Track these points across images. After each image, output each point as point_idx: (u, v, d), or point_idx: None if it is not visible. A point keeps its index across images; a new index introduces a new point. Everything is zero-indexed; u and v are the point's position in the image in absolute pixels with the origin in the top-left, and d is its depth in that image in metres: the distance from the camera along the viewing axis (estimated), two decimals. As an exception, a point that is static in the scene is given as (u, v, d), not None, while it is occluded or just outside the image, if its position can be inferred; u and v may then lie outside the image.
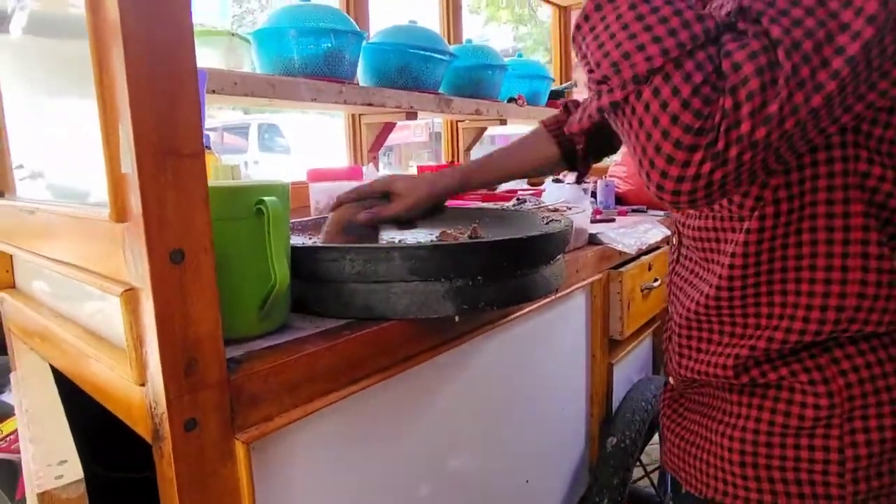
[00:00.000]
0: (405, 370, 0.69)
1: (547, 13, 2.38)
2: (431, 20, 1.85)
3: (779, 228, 0.57)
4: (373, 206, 0.83)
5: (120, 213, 0.47)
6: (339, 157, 1.64)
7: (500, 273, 0.69)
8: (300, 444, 0.58)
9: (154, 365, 0.47)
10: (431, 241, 0.91)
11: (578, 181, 1.00)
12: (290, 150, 8.11)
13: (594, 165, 1.04)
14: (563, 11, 2.43)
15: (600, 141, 0.93)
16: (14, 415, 1.21)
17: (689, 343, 0.68)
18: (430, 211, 0.87)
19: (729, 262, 0.60)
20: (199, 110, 0.47)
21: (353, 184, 1.19)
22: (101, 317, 0.59)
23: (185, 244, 0.46)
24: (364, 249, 0.66)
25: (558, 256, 0.81)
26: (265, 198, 0.56)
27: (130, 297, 0.48)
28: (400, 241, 0.93)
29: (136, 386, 0.50)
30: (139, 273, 0.46)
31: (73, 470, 0.46)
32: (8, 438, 1.21)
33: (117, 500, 0.76)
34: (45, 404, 0.59)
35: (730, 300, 0.62)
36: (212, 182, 0.56)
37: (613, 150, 1.00)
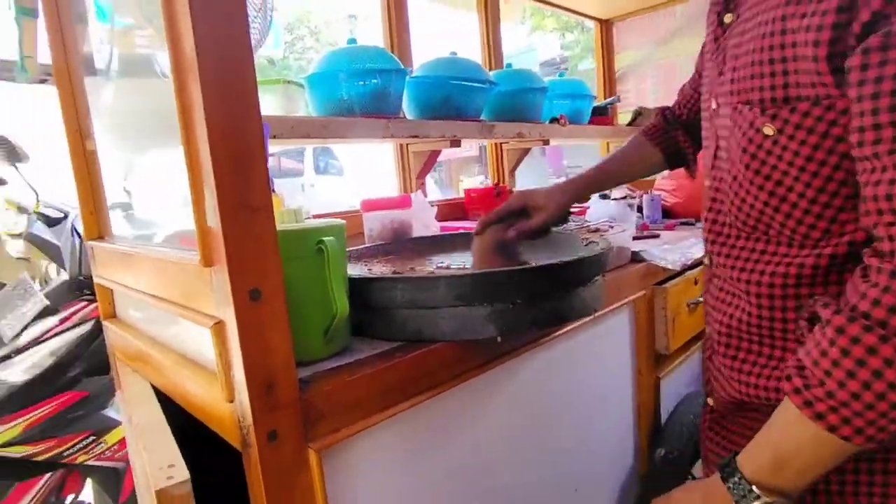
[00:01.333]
0: (454, 387, 0.75)
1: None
2: (472, 43, 1.94)
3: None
4: (514, 224, 0.90)
5: (207, 258, 0.56)
6: (389, 178, 1.74)
7: (539, 296, 0.75)
8: (362, 454, 0.66)
9: (240, 386, 0.55)
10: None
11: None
12: (342, 172, 8.39)
13: (642, 179, 1.12)
14: (605, 25, 2.46)
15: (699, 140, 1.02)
16: (115, 427, 1.36)
17: (733, 363, 0.69)
18: (564, 218, 0.94)
19: (769, 282, 0.63)
20: (267, 171, 0.56)
21: (402, 213, 1.28)
22: (193, 344, 0.69)
23: (261, 284, 0.55)
24: (413, 279, 0.74)
25: (596, 278, 0.86)
26: (325, 238, 0.64)
27: (219, 329, 0.57)
28: (443, 267, 1.00)
29: (226, 403, 0.59)
30: (225, 309, 0.55)
31: (181, 472, 0.55)
32: (112, 448, 1.35)
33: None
34: (151, 419, 0.69)
35: (780, 318, 0.63)
36: (279, 226, 0.65)
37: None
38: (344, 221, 0.71)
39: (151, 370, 0.83)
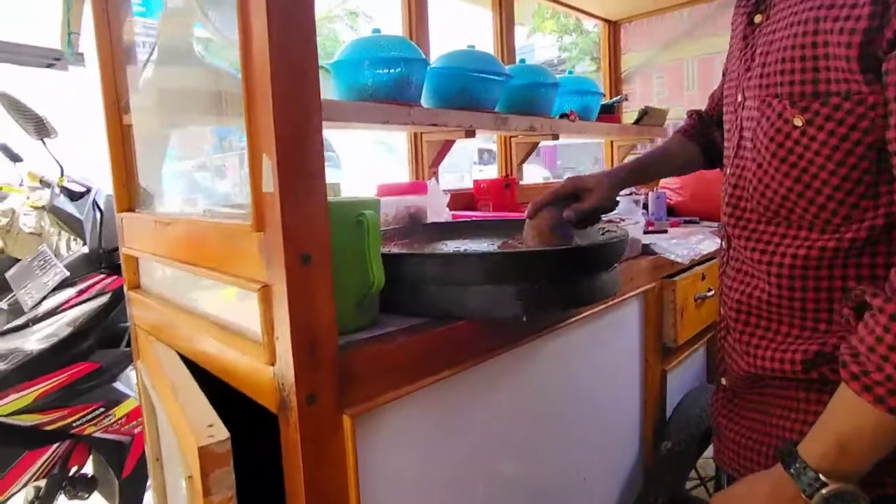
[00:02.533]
0: (475, 365, 0.78)
1: (594, 22, 2.44)
2: (485, 36, 1.96)
3: (881, 245, 0.62)
4: (568, 206, 0.90)
5: (259, 223, 0.58)
6: (385, 170, 1.76)
7: (563, 278, 0.78)
8: (390, 422, 0.68)
9: (284, 348, 0.57)
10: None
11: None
12: (340, 164, 8.38)
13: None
14: (612, 26, 2.49)
15: None
16: (124, 401, 1.37)
17: (750, 339, 0.73)
18: (614, 204, 0.95)
19: (790, 263, 0.66)
20: (322, 138, 0.58)
21: (417, 198, 1.30)
22: (230, 309, 0.71)
23: (311, 249, 0.57)
24: (443, 255, 0.76)
25: (615, 265, 0.89)
26: (365, 211, 0.66)
27: (265, 293, 0.59)
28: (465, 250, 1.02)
29: (266, 366, 0.61)
30: (275, 273, 0.57)
31: (220, 431, 0.57)
32: (119, 421, 1.36)
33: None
34: (183, 382, 0.71)
35: (799, 298, 0.67)
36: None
37: None
38: (379, 198, 0.73)
39: (179, 339, 0.84)
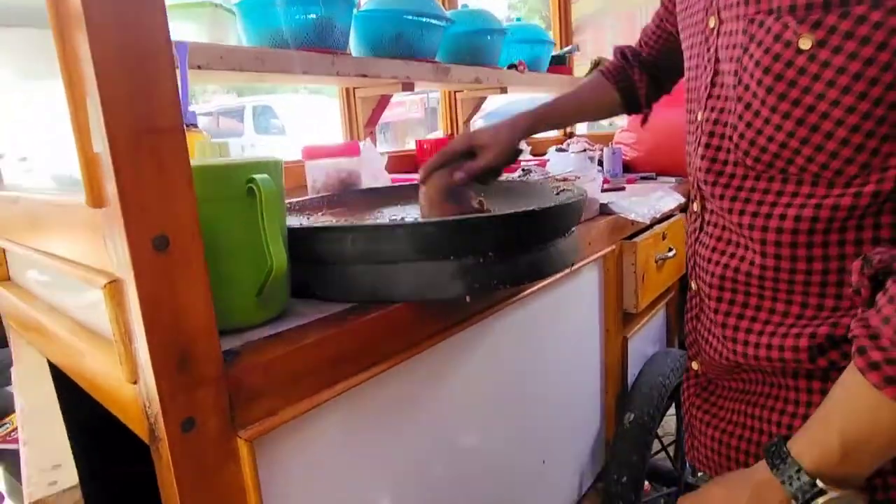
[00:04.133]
0: (414, 355, 0.65)
1: (543, -22, 2.28)
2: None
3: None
4: (459, 167, 0.79)
5: (96, 197, 0.42)
6: (335, 137, 1.59)
7: (513, 249, 0.65)
8: (307, 438, 0.54)
9: (144, 361, 0.43)
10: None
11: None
12: (284, 132, 8.02)
13: (598, 133, 1.02)
14: (562, -26, 2.34)
15: (658, 84, 0.97)
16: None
17: (736, 322, 0.61)
18: (514, 155, 0.84)
19: (792, 228, 0.54)
20: (176, 83, 0.42)
21: (351, 160, 1.15)
22: (91, 310, 0.55)
23: (168, 229, 0.42)
24: (366, 227, 0.62)
25: (573, 229, 0.77)
26: (256, 176, 0.52)
27: (115, 289, 0.44)
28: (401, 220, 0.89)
29: (128, 384, 0.46)
30: (121, 262, 0.42)
31: (69, 475, 0.43)
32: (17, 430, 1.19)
33: (122, 496, 0.73)
34: (41, 403, 0.56)
35: (802, 270, 0.55)
36: (197, 161, 0.52)
37: (668, 92, 1.01)
38: (281, 158, 0.58)
39: (48, 343, 0.68)
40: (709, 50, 0.61)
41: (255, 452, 0.48)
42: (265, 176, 0.52)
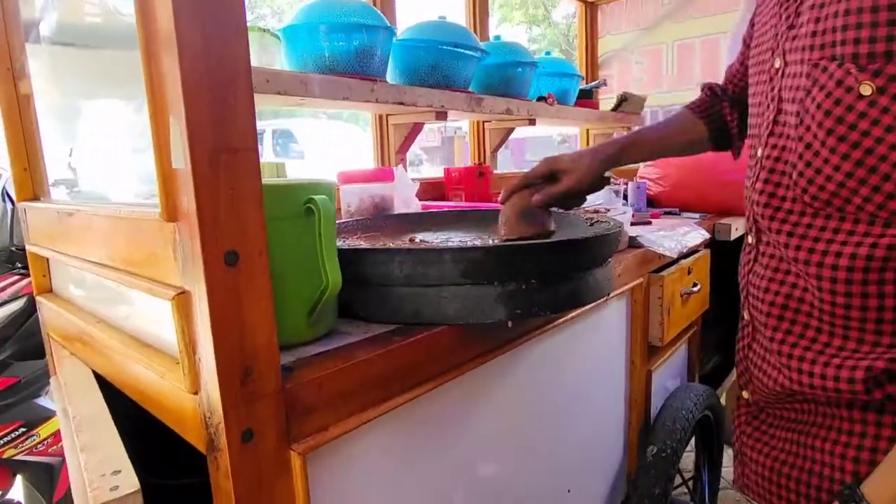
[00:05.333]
0: (455, 377, 0.66)
1: (561, 13, 2.34)
2: (457, 18, 1.83)
3: None
4: (542, 188, 0.81)
5: (171, 211, 0.44)
6: (352, 162, 1.62)
7: (555, 277, 0.66)
8: (355, 455, 0.55)
9: (209, 373, 0.44)
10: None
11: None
12: (303, 156, 8.13)
13: (623, 168, 1.01)
14: (590, 7, 2.39)
15: (745, 120, 0.93)
16: (50, 418, 1.20)
17: (790, 351, 0.61)
18: (597, 183, 0.84)
19: (848, 265, 0.55)
20: (253, 104, 0.45)
21: (385, 185, 1.17)
22: (148, 322, 0.57)
23: (239, 245, 0.44)
24: (413, 251, 0.63)
25: (609, 260, 0.78)
26: (315, 196, 0.53)
27: (182, 302, 0.45)
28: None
29: (188, 394, 0.47)
30: (192, 276, 0.44)
31: (129, 480, 0.44)
32: (46, 442, 1.20)
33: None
34: (93, 411, 0.57)
35: (858, 306, 0.56)
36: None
37: None
38: (335, 181, 0.60)
39: (94, 354, 0.70)
40: (773, 90, 0.63)
41: (307, 466, 0.48)
42: (324, 196, 0.54)
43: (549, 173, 0.81)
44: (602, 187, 0.86)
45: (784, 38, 0.60)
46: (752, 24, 0.78)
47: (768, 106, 0.64)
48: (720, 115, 0.92)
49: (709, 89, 0.95)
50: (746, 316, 0.69)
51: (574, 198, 0.84)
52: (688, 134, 0.93)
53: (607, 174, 0.85)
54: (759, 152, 0.64)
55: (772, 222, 0.62)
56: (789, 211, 0.60)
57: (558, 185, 0.80)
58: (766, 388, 0.65)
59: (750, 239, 0.68)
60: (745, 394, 0.70)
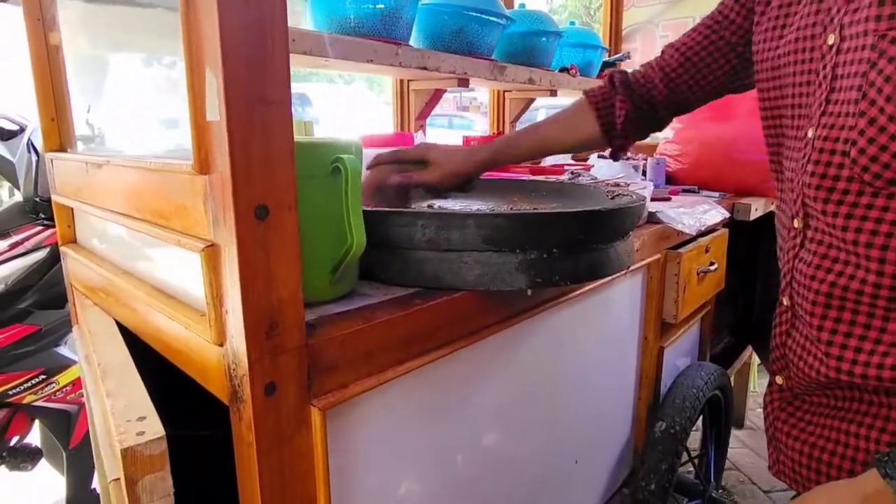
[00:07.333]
0: (473, 342, 0.66)
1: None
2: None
3: None
4: (407, 171, 0.82)
5: (203, 164, 0.44)
6: (366, 127, 1.61)
7: (576, 247, 0.66)
8: (373, 413, 0.56)
9: (235, 325, 0.45)
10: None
11: (614, 157, 0.95)
12: (318, 121, 8.08)
13: (641, 143, 0.98)
14: (615, -20, 2.33)
15: (646, 118, 0.90)
16: (69, 367, 1.23)
17: (837, 339, 0.60)
18: (463, 183, 0.85)
19: None
20: (288, 56, 0.44)
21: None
22: (174, 274, 0.58)
23: (269, 200, 0.44)
24: (437, 215, 0.63)
25: (630, 233, 0.78)
26: (343, 155, 0.53)
27: (211, 254, 0.46)
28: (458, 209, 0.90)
29: (213, 346, 0.48)
30: (222, 229, 0.44)
31: (154, 427, 0.45)
32: (64, 389, 1.23)
33: (181, 459, 0.75)
34: (118, 358, 0.58)
35: None
36: (291, 137, 0.54)
37: (658, 128, 0.94)
38: (360, 140, 0.60)
39: (117, 304, 0.71)
40: (825, 67, 0.60)
41: (326, 421, 0.49)
42: (351, 156, 0.53)
43: (419, 159, 0.82)
44: (469, 190, 0.87)
45: (843, 13, 0.57)
46: (766, 4, 0.74)
47: (819, 84, 0.60)
48: (611, 111, 0.87)
49: (609, 78, 0.89)
50: (786, 302, 0.67)
51: (434, 191, 0.84)
52: (576, 132, 0.89)
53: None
54: (811, 133, 0.61)
55: (826, 204, 0.60)
56: (845, 191, 0.58)
57: (422, 175, 0.81)
58: (806, 377, 0.64)
59: (796, 223, 0.65)
60: (778, 379, 0.69)
